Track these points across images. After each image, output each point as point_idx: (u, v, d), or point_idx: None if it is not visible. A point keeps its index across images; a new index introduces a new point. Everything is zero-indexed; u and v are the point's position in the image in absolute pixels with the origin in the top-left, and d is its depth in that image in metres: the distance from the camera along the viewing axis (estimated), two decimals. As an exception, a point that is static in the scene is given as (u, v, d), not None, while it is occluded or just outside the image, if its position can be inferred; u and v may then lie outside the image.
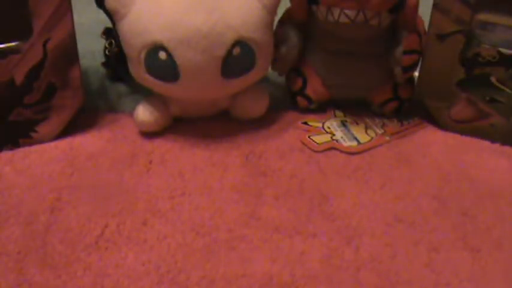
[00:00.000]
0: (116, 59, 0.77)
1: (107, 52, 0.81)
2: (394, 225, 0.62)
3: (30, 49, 0.66)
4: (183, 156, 0.70)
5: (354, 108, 0.78)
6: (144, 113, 0.71)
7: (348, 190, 0.66)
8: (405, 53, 0.70)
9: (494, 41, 0.69)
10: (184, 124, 0.74)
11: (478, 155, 0.71)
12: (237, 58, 0.67)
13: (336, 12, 0.68)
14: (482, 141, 0.73)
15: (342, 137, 0.73)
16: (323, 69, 0.75)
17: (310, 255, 0.58)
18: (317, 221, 0.62)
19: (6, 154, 0.69)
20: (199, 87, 0.68)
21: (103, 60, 0.83)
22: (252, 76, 0.70)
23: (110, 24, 0.70)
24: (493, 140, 0.73)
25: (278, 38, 0.74)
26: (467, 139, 0.74)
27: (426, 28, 0.72)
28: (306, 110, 0.78)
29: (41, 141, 0.71)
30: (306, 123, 0.76)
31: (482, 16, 0.68)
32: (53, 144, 0.71)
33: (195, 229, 0.60)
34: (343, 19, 0.68)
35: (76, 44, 0.69)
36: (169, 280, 0.55)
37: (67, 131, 0.72)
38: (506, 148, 0.72)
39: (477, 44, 0.69)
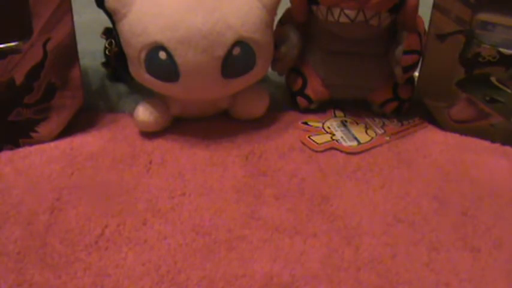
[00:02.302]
0: (116, 59, 0.77)
1: (107, 52, 0.81)
2: (394, 225, 0.61)
3: (30, 49, 0.66)
4: (183, 156, 0.70)
5: (354, 108, 0.78)
6: (144, 113, 0.71)
7: (348, 190, 0.66)
8: (405, 53, 0.70)
9: (494, 41, 0.69)
10: (184, 124, 0.74)
11: (478, 155, 0.71)
12: (237, 58, 0.67)
13: (336, 12, 0.68)
14: (482, 141, 0.73)
15: (342, 137, 0.73)
16: (323, 69, 0.75)
17: (310, 255, 0.58)
18: (317, 221, 0.62)
19: (6, 154, 0.69)
20: (199, 87, 0.68)
21: (103, 60, 0.83)
22: (252, 76, 0.70)
23: (110, 24, 0.70)
24: (493, 140, 0.73)
25: (278, 38, 0.74)
26: (467, 139, 0.74)
27: (426, 28, 0.72)
28: (306, 110, 0.78)
29: (41, 141, 0.71)
30: (306, 123, 0.76)
31: (482, 16, 0.68)
32: (53, 144, 0.71)
33: (195, 229, 0.60)
34: (343, 19, 0.68)
35: (76, 44, 0.69)
36: (169, 280, 0.55)
37: (67, 131, 0.72)
38: (506, 148, 0.72)
39: (477, 44, 0.69)
